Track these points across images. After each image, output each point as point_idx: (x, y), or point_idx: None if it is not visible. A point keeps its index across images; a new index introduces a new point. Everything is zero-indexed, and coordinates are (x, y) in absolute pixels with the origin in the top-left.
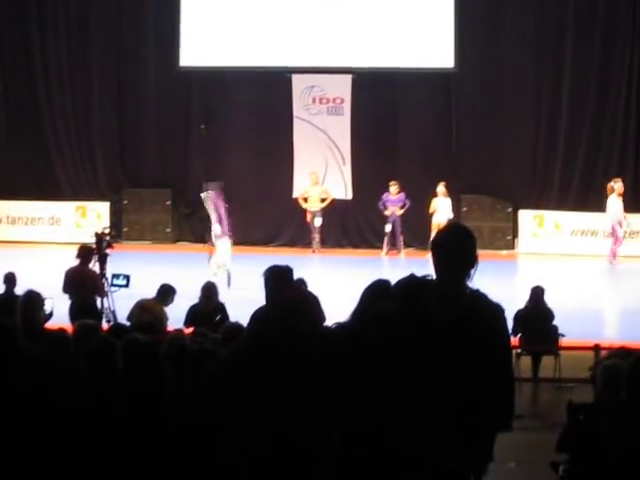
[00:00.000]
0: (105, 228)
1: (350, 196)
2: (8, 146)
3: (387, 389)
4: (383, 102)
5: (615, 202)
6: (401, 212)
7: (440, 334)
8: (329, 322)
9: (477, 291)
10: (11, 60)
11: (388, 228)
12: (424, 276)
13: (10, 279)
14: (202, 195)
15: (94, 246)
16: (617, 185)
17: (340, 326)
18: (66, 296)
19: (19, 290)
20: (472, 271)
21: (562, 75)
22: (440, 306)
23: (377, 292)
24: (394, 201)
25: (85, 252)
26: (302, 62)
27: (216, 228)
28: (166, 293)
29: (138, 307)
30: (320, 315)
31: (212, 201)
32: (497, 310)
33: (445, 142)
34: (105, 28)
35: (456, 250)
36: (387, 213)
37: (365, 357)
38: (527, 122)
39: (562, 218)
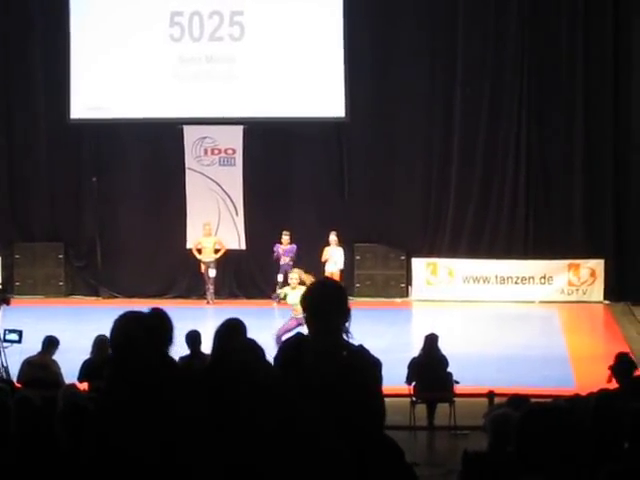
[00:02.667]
0: None
1: (244, 246)
2: None
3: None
4: (275, 152)
5: None
6: (291, 262)
7: (316, 391)
8: None
9: (359, 347)
10: None
11: (280, 278)
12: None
13: None
14: None
15: None
16: None
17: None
18: None
19: None
20: (347, 324)
21: (452, 124)
22: (316, 362)
23: (230, 330)
24: (285, 251)
25: None
26: (193, 113)
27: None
28: (50, 345)
29: (26, 364)
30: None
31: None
32: (374, 368)
33: (338, 191)
34: None
35: (326, 305)
36: (280, 262)
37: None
38: (419, 170)
39: (455, 265)
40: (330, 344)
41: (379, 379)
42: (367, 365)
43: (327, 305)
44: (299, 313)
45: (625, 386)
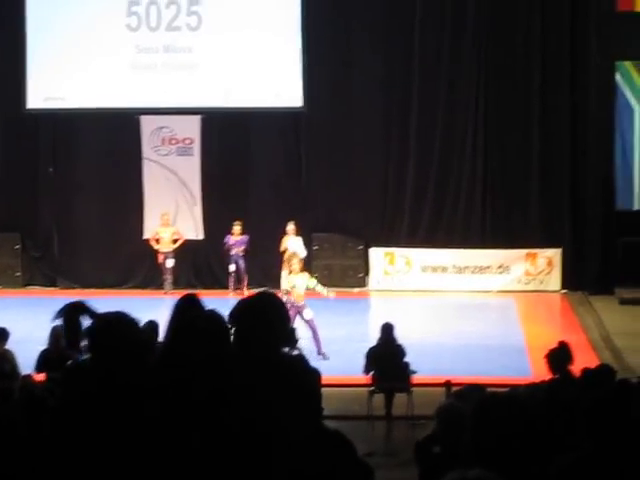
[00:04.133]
0: None
1: (201, 236)
2: None
3: None
4: (233, 142)
5: None
6: (243, 253)
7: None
8: None
9: (298, 356)
10: None
11: (232, 268)
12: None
13: None
14: None
15: None
16: None
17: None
18: None
19: None
20: (286, 338)
21: (410, 114)
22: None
23: (185, 304)
24: (237, 242)
25: None
26: (150, 103)
27: None
28: (0, 337)
29: None
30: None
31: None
32: (312, 374)
33: (295, 181)
34: None
35: (256, 320)
36: (231, 253)
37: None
38: (376, 160)
39: (412, 255)
40: (260, 359)
41: (317, 387)
42: (305, 370)
43: (256, 322)
44: (299, 300)
45: (561, 377)
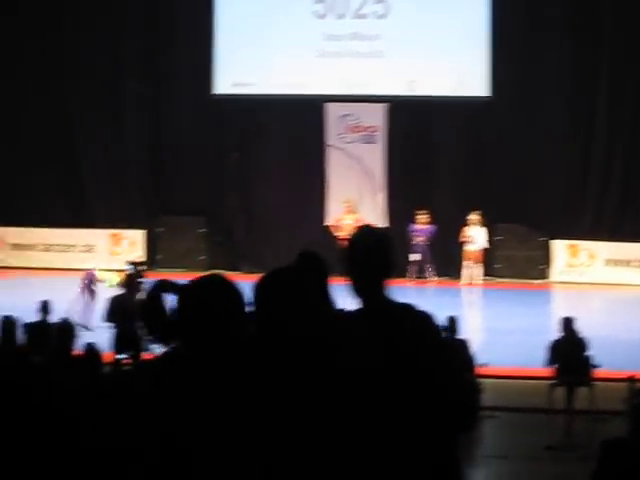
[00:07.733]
0: (139, 257)
1: (385, 224)
2: (40, 173)
3: None
4: (417, 130)
5: None
6: (427, 242)
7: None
8: None
9: (405, 305)
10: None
11: (413, 257)
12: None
13: (45, 307)
14: None
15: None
16: None
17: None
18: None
19: (53, 318)
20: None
21: (596, 103)
22: (362, 324)
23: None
24: (422, 231)
25: (130, 281)
26: (336, 91)
27: None
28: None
29: None
30: None
31: None
32: (427, 321)
33: (479, 171)
34: (139, 55)
35: (371, 257)
36: (414, 242)
37: None
38: (562, 152)
39: (596, 247)
40: (375, 302)
41: (436, 328)
42: (419, 318)
43: (372, 259)
44: None
45: None
